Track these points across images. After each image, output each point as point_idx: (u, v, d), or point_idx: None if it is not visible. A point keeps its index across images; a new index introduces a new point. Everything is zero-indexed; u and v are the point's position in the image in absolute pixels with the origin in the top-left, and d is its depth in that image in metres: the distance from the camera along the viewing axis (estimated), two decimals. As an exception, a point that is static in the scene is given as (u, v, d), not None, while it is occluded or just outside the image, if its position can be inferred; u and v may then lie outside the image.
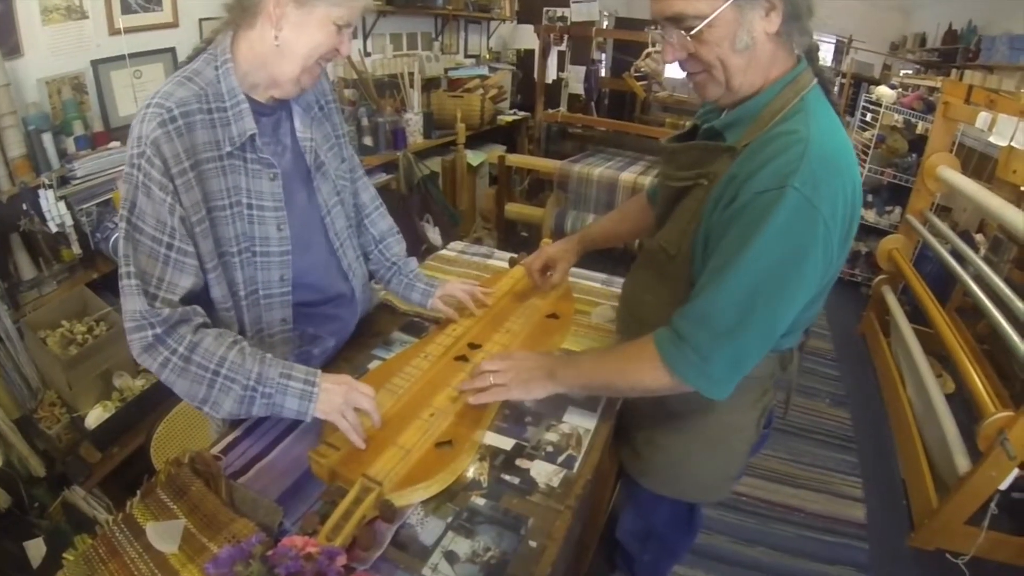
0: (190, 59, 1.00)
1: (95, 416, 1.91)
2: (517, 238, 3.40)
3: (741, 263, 0.85)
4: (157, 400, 1.81)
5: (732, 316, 0.88)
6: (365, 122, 3.23)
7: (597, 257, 1.46)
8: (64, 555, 0.81)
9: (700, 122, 1.06)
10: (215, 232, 0.99)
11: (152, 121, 0.89)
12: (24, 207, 1.86)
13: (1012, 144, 2.17)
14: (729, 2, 0.82)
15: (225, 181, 0.98)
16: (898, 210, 3.80)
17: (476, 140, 4.17)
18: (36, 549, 1.64)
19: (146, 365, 0.94)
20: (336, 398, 0.95)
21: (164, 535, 0.81)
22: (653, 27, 0.93)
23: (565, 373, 1.07)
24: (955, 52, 5.57)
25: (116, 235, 1.93)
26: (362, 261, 1.31)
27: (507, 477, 0.96)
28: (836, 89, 6.84)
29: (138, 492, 0.89)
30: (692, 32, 0.85)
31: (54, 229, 1.90)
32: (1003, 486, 1.78)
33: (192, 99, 0.93)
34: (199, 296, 0.99)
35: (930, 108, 3.53)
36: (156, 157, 0.89)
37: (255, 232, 1.03)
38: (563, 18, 4.68)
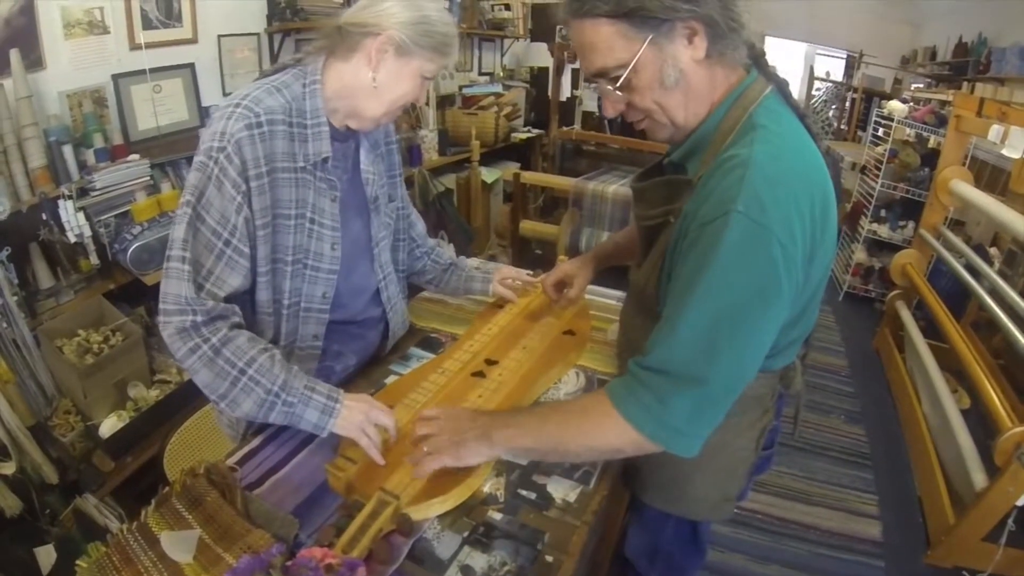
0: (275, 71, 1.03)
1: (109, 425, 1.92)
2: (531, 255, 3.39)
3: (695, 301, 0.78)
4: (171, 411, 1.83)
5: (694, 361, 0.80)
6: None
7: (613, 274, 1.46)
8: (77, 562, 0.81)
9: (664, 158, 1.01)
10: (275, 239, 1.02)
11: (240, 121, 0.92)
12: (43, 217, 1.88)
13: (1025, 156, 2.16)
14: (646, 43, 0.78)
15: (295, 192, 1.01)
16: (911, 225, 3.77)
17: (490, 157, 4.19)
18: (46, 555, 1.64)
19: (174, 348, 0.95)
20: (357, 415, 0.96)
21: (179, 545, 0.81)
22: (592, 84, 0.91)
23: (503, 434, 0.93)
24: (966, 65, 5.54)
25: (135, 240, 1.98)
26: (403, 296, 1.36)
27: (524, 492, 0.96)
28: (847, 104, 6.86)
29: (153, 501, 0.89)
30: (619, 84, 0.82)
31: (72, 239, 1.92)
32: (1020, 502, 1.76)
33: (279, 109, 0.97)
34: (241, 297, 1.02)
35: (942, 122, 3.51)
36: (236, 156, 0.92)
37: (311, 246, 1.06)
38: (577, 36, 4.70)
